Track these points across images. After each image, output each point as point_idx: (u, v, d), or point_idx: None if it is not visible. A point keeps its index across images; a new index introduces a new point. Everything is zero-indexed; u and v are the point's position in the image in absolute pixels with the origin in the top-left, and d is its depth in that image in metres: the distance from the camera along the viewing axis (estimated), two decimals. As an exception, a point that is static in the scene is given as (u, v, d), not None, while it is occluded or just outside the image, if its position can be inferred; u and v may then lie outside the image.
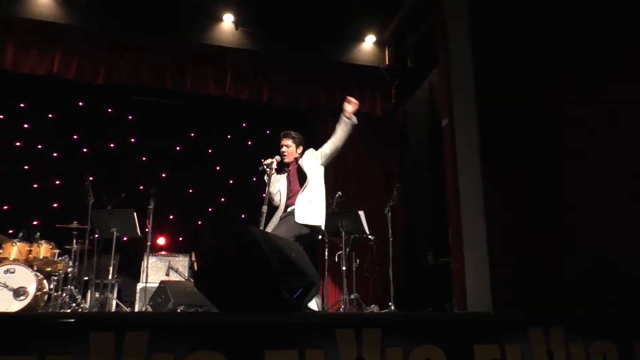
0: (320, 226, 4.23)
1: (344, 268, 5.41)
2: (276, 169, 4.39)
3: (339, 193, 5.85)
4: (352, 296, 5.43)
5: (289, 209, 4.24)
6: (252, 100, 6.83)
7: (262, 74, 6.90)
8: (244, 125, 8.27)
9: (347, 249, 5.50)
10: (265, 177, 4.40)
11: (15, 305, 4.83)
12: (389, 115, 7.50)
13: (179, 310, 4.84)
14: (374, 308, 5.65)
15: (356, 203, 6.36)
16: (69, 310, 5.12)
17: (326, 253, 5.86)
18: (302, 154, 4.52)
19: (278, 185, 4.47)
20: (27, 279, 4.96)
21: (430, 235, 6.31)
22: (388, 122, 7.59)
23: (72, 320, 1.64)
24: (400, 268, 6.62)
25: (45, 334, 1.58)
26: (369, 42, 7.05)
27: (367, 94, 7.30)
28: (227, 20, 6.46)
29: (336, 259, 5.65)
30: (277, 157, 4.41)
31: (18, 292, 4.89)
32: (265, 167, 4.35)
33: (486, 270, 3.80)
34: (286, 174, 4.54)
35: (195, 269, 6.42)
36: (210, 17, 6.42)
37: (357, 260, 5.76)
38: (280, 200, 4.40)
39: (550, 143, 3.64)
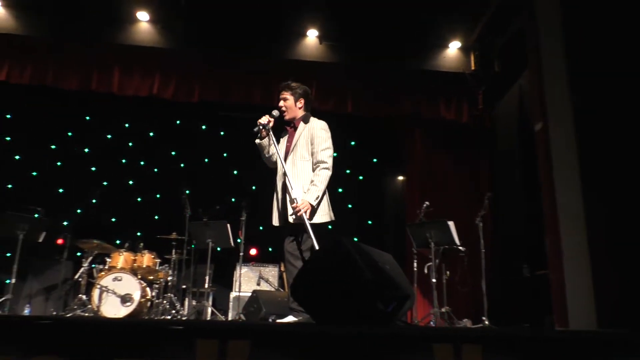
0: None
1: (433, 280, 5.30)
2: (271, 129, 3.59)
3: (427, 203, 5.74)
4: (443, 309, 5.30)
5: (294, 196, 3.45)
6: (336, 111, 6.91)
7: (345, 85, 6.99)
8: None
9: (437, 260, 5.37)
10: (257, 141, 3.66)
11: (122, 311, 5.21)
12: (476, 122, 7.27)
13: (270, 320, 4.98)
14: (467, 322, 5.47)
15: (444, 213, 6.21)
16: (169, 317, 5.44)
17: (415, 264, 5.77)
18: (305, 110, 3.70)
19: (272, 149, 3.68)
20: (132, 286, 5.33)
21: (525, 246, 6.00)
22: (475, 129, 7.37)
23: (181, 327, 1.75)
24: (493, 280, 6.35)
25: (157, 340, 1.70)
26: (453, 48, 6.90)
27: (453, 100, 7.15)
28: (312, 36, 6.63)
29: (425, 271, 5.55)
30: (275, 112, 3.61)
31: (125, 299, 5.27)
32: (260, 127, 3.53)
33: (589, 283, 3.56)
34: (286, 136, 3.75)
35: (285, 279, 6.57)
36: (295, 34, 6.64)
37: (447, 272, 5.61)
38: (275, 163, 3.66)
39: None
